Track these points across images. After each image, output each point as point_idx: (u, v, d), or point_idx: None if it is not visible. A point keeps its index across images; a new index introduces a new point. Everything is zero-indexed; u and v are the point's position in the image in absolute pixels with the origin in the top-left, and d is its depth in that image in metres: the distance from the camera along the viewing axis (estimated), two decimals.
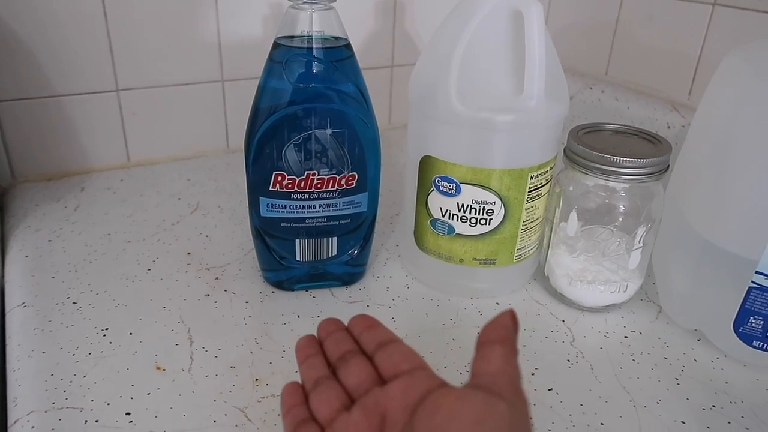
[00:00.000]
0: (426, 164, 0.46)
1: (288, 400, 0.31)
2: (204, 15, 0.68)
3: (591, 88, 0.74)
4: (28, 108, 0.63)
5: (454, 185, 0.45)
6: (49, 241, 0.55)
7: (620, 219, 0.45)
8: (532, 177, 0.45)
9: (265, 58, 0.43)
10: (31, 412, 0.37)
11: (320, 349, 0.34)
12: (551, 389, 0.40)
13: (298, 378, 0.33)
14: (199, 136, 0.74)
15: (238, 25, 0.69)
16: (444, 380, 0.29)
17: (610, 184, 0.44)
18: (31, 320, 0.45)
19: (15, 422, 0.36)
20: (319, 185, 0.45)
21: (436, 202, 0.47)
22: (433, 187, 0.46)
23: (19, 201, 0.62)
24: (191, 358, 0.42)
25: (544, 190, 0.47)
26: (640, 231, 0.45)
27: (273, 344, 0.43)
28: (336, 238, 0.48)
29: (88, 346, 0.42)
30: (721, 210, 0.41)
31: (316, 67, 0.42)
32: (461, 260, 0.48)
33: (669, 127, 0.65)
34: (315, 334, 0.35)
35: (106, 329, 0.44)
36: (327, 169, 0.44)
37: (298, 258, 0.48)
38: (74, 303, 0.47)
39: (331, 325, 0.35)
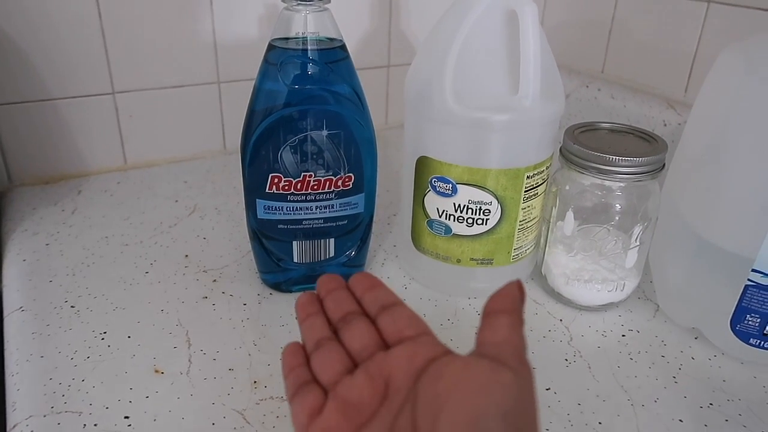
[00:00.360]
0: (422, 165, 0.46)
1: (290, 360, 0.31)
2: (199, 16, 0.67)
3: (587, 86, 0.74)
4: (24, 111, 0.63)
5: (451, 186, 0.45)
6: (47, 244, 0.55)
7: (617, 218, 0.45)
8: (528, 177, 0.45)
9: (261, 59, 0.43)
10: (30, 416, 0.37)
11: (321, 308, 0.33)
12: (549, 388, 0.40)
13: None
14: (196, 138, 0.74)
15: (233, 26, 0.69)
16: (448, 348, 0.28)
17: (607, 183, 0.44)
18: (29, 324, 0.45)
19: (14, 427, 0.36)
20: (315, 187, 0.45)
21: (433, 203, 0.47)
22: (430, 188, 0.46)
23: (16, 205, 0.62)
24: (189, 360, 0.42)
25: (540, 189, 0.47)
26: (637, 229, 0.45)
27: (271, 346, 0.43)
28: (333, 239, 0.48)
29: (86, 350, 0.42)
30: (717, 208, 0.41)
31: (311, 69, 0.42)
32: (459, 260, 0.48)
33: (665, 125, 0.65)
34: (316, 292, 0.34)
35: (104, 333, 0.44)
36: (323, 171, 0.44)
37: (295, 260, 0.48)
38: (72, 307, 0.47)
39: (332, 282, 0.34)
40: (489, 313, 0.28)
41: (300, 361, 0.30)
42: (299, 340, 0.34)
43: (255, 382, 0.40)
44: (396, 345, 0.29)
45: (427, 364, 0.27)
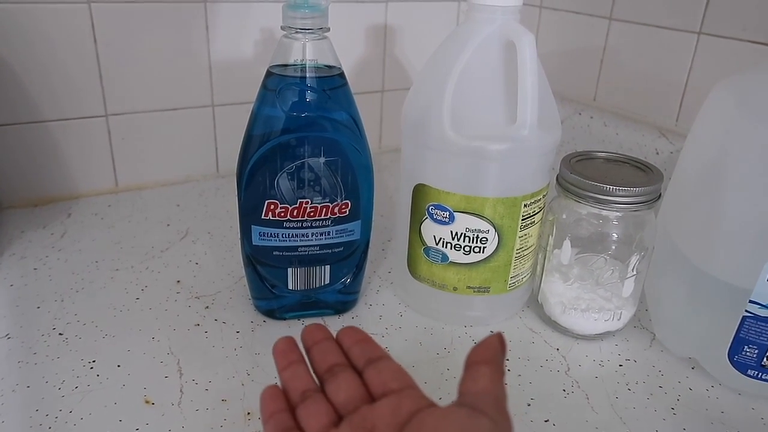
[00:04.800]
0: (419, 192, 0.46)
1: (270, 404, 0.30)
2: (194, 40, 0.68)
3: (580, 114, 0.75)
4: (15, 133, 0.63)
5: (448, 213, 0.45)
6: (35, 269, 0.54)
7: (613, 247, 0.45)
8: (525, 205, 0.45)
9: (257, 83, 0.43)
10: None
11: (302, 357, 0.33)
12: (548, 420, 0.40)
13: None
14: (189, 161, 0.73)
15: (229, 50, 0.70)
16: (432, 401, 0.29)
17: (603, 212, 0.44)
18: (15, 353, 0.43)
19: None
20: (312, 214, 0.44)
21: (430, 230, 0.46)
22: (427, 215, 0.46)
23: (4, 228, 0.60)
24: (181, 391, 0.41)
25: (537, 218, 0.47)
26: (633, 259, 0.45)
27: (264, 376, 0.43)
28: (329, 266, 0.47)
29: (74, 380, 0.41)
30: (713, 239, 0.41)
31: (309, 96, 0.42)
32: (455, 288, 0.47)
33: (657, 153, 0.65)
34: (293, 337, 0.34)
35: (93, 361, 0.43)
36: (320, 198, 0.44)
37: (290, 286, 0.47)
38: (60, 334, 0.46)
39: (318, 333, 0.34)
40: (470, 364, 0.29)
41: (281, 407, 0.30)
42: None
43: (248, 413, 0.39)
44: (381, 398, 0.29)
45: (410, 416, 0.27)
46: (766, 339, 0.40)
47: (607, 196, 0.43)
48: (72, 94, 0.64)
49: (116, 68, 0.65)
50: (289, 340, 0.34)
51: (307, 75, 0.42)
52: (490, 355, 0.29)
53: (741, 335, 0.41)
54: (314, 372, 0.32)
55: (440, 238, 0.46)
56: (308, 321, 0.49)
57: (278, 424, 0.29)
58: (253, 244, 0.45)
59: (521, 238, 0.46)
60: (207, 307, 0.50)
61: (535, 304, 0.51)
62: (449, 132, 0.43)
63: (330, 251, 0.46)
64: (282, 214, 0.44)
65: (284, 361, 0.33)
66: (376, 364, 0.31)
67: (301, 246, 0.45)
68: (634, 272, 0.45)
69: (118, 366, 0.43)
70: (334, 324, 0.49)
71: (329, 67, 0.43)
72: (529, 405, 0.41)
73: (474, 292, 0.47)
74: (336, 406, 0.30)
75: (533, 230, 0.47)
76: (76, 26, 0.61)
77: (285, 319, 0.49)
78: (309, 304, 0.49)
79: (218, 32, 0.68)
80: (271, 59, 0.43)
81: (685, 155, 0.45)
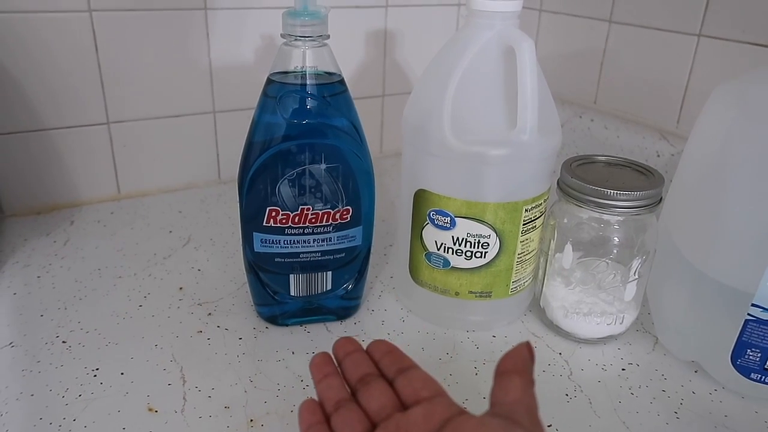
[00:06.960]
0: (420, 198, 0.46)
1: (308, 417, 0.31)
2: (195, 47, 0.68)
3: (580, 117, 0.75)
4: (17, 141, 0.63)
5: (449, 219, 0.45)
6: (38, 277, 0.54)
7: (615, 251, 0.45)
8: (526, 210, 0.45)
9: (258, 89, 0.43)
10: None
11: (336, 369, 0.34)
12: (550, 425, 0.40)
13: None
14: (191, 168, 0.73)
15: (230, 56, 0.70)
16: (463, 408, 0.29)
17: (604, 216, 0.44)
18: (19, 361, 0.44)
19: None
20: (313, 220, 0.44)
21: (431, 236, 0.46)
22: (428, 221, 0.46)
23: (7, 236, 0.61)
24: (184, 398, 0.41)
25: (538, 222, 0.47)
26: (635, 263, 0.45)
27: (267, 382, 0.43)
28: (330, 272, 0.47)
29: (78, 388, 0.41)
30: (715, 242, 0.41)
31: (309, 103, 0.42)
32: (457, 293, 0.47)
33: (658, 156, 0.65)
34: (328, 352, 0.35)
35: (97, 369, 0.43)
36: (321, 204, 0.44)
37: (292, 293, 0.47)
38: (64, 342, 0.46)
39: (349, 345, 0.35)
40: (501, 373, 0.29)
41: (318, 419, 0.31)
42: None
43: (251, 420, 0.39)
44: (412, 406, 0.30)
45: (443, 423, 0.28)
46: None
47: (608, 200, 0.43)
48: (74, 102, 0.64)
49: (118, 76, 0.65)
50: (326, 355, 0.35)
51: (308, 82, 0.42)
52: (520, 364, 0.29)
53: (744, 339, 0.41)
54: (347, 382, 0.33)
55: (442, 244, 0.46)
56: (310, 327, 0.49)
57: None
58: (255, 250, 0.45)
59: (523, 243, 0.46)
60: (209, 314, 0.50)
61: (537, 308, 0.51)
62: (450, 137, 0.43)
63: (331, 257, 0.46)
64: (283, 221, 0.44)
65: (320, 373, 0.34)
66: (406, 373, 0.32)
67: (303, 252, 0.45)
68: (636, 276, 0.45)
69: (122, 374, 0.43)
70: (337, 330, 0.49)
71: (329, 74, 0.43)
72: None
73: (476, 297, 0.47)
74: (369, 414, 0.31)
75: (534, 235, 0.47)
76: (78, 34, 0.62)
77: (287, 325, 0.49)
78: (311, 310, 0.49)
79: (219, 39, 0.68)
80: (271, 67, 0.43)
81: (687, 158, 0.45)
